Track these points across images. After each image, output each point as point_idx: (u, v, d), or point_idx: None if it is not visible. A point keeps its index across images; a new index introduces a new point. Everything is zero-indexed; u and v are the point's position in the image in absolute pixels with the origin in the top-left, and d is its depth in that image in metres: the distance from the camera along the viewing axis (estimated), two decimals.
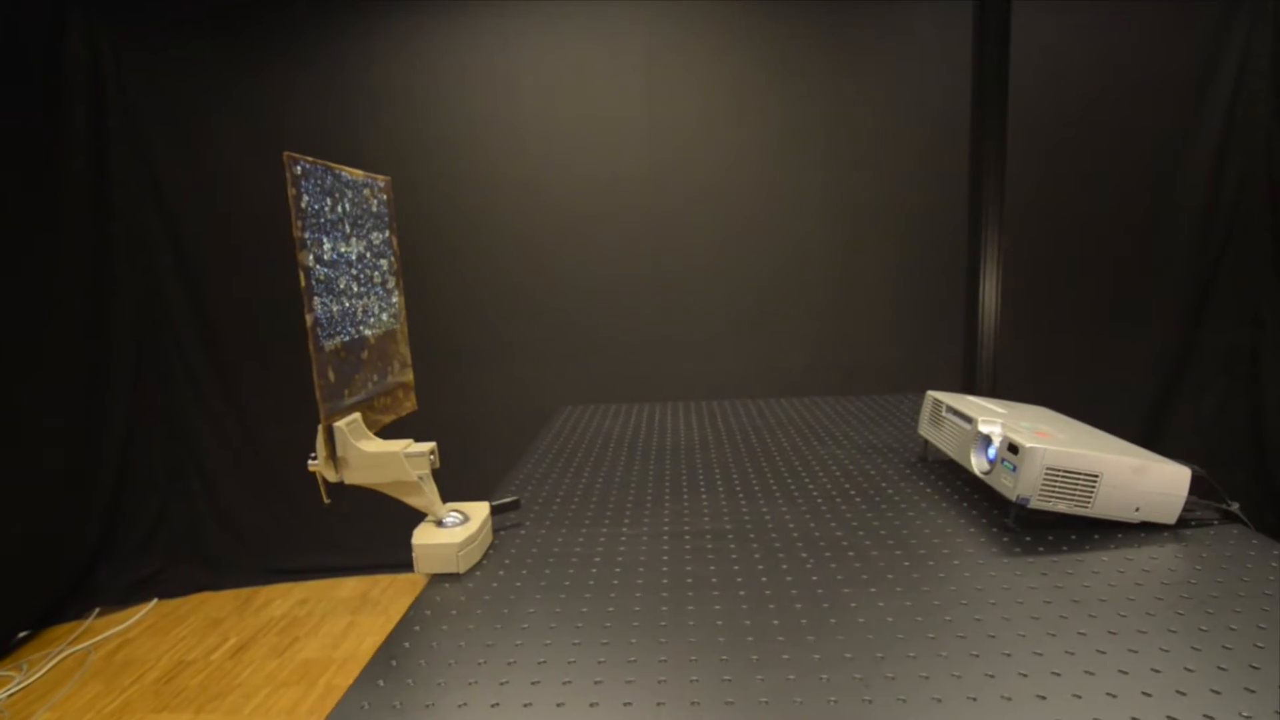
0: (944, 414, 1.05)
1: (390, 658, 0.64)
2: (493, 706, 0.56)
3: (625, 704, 0.56)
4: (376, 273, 0.95)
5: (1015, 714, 0.52)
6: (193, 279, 2.61)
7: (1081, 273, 2.43)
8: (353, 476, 0.83)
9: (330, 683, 2.07)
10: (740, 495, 1.01)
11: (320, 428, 0.80)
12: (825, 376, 2.59)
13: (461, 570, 0.80)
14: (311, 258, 0.79)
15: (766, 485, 1.05)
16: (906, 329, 2.52)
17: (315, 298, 0.79)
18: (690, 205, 2.55)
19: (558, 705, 0.56)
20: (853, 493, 1.01)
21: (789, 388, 2.59)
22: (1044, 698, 0.54)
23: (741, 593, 0.73)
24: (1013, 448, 0.86)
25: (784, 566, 0.79)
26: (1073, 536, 0.84)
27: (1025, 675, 0.57)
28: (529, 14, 2.45)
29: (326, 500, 0.87)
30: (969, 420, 0.97)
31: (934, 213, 2.41)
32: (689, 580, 0.76)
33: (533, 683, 0.59)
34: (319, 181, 0.81)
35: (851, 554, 0.81)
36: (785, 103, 2.44)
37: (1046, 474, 0.83)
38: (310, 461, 0.83)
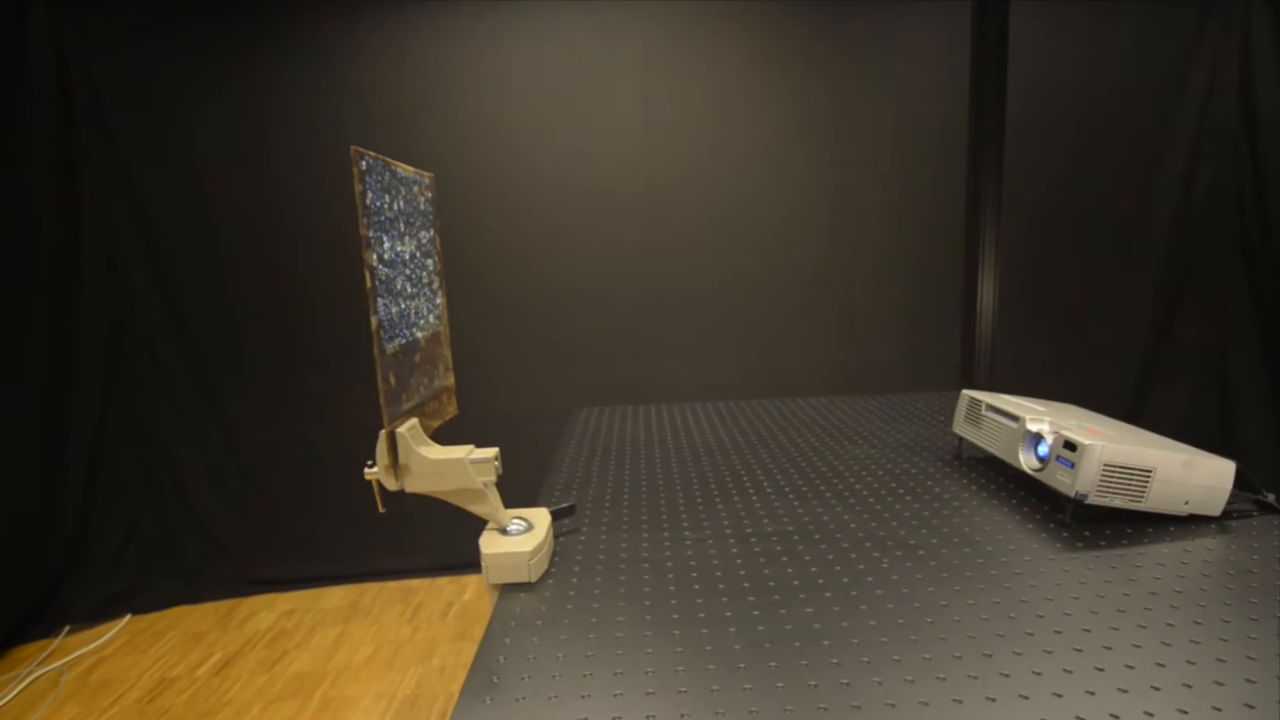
0: (984, 412, 1.07)
1: (490, 673, 0.62)
2: (615, 718, 0.55)
3: (752, 710, 0.55)
4: (424, 272, 0.92)
5: (1099, 707, 0.53)
6: (167, 278, 2.50)
7: (1060, 274, 2.51)
8: (414, 485, 0.80)
9: (326, 696, 2.01)
10: (790, 496, 1.01)
11: (383, 434, 0.77)
12: (823, 376, 2.62)
13: (534, 579, 0.78)
14: (375, 257, 0.76)
15: (813, 486, 1.05)
16: (901, 329, 2.57)
17: (378, 299, 0.76)
18: (688, 206, 2.55)
19: (682, 716, 0.55)
20: (901, 491, 1.01)
21: (786, 388, 2.62)
22: (1158, 689, 0.55)
23: (827, 594, 0.73)
24: (1069, 445, 0.88)
25: (860, 567, 0.79)
26: (1128, 530, 0.87)
27: (1132, 667, 0.58)
28: (522, 10, 2.41)
29: (382, 509, 0.84)
30: (1015, 419, 0.99)
31: (929, 213, 2.46)
32: (771, 584, 0.76)
33: (648, 693, 0.58)
34: (379, 177, 0.78)
35: (922, 553, 0.82)
36: (783, 102, 2.46)
37: (1104, 470, 0.85)
38: (368, 470, 0.79)
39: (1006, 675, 0.58)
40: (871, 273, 2.54)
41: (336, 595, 2.60)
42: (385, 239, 0.79)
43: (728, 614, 0.70)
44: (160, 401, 2.55)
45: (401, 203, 0.85)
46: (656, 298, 2.59)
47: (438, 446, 0.83)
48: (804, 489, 1.04)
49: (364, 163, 0.74)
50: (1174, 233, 2.46)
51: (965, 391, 1.13)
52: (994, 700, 0.55)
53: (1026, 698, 0.55)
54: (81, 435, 2.43)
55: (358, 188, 0.72)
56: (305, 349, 2.59)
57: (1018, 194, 2.37)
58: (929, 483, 1.05)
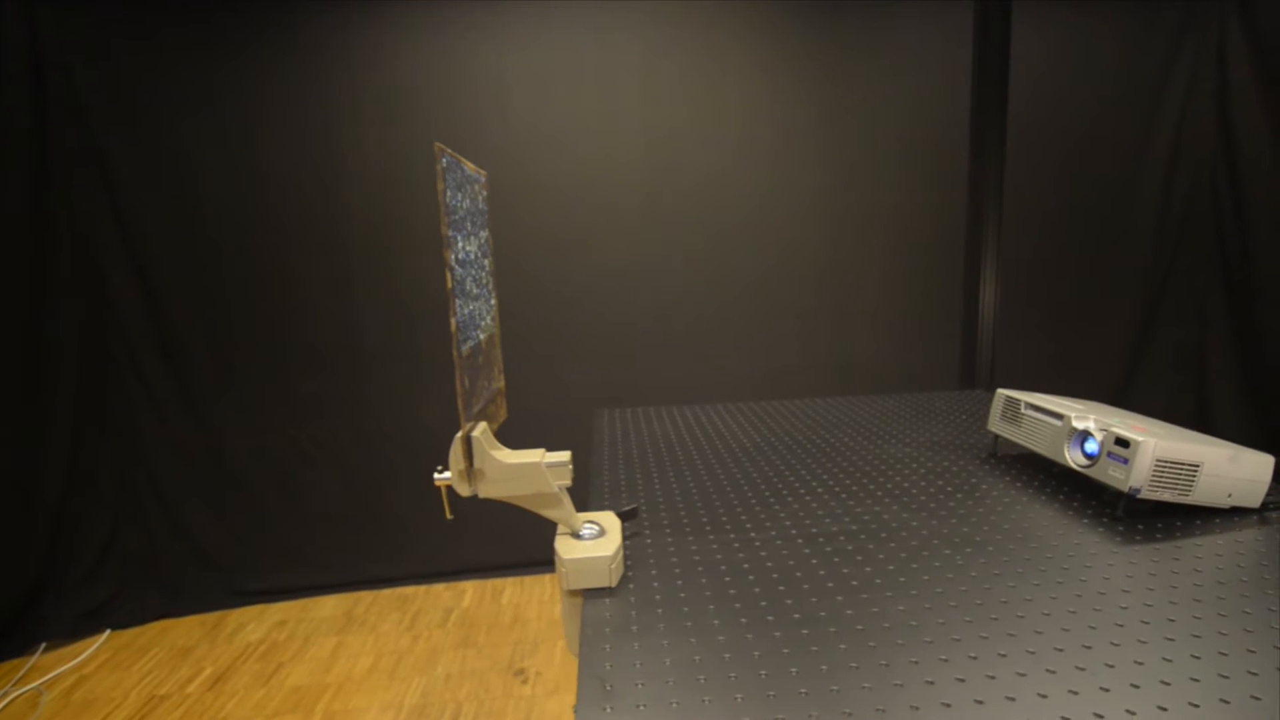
0: (1023, 410, 1.10)
1: (601, 681, 0.61)
2: None
3: (879, 710, 0.55)
4: (483, 273, 0.90)
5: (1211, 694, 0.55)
6: (148, 278, 2.40)
7: (1050, 274, 2.59)
8: (488, 490, 0.78)
9: (329, 709, 1.95)
10: (843, 496, 1.02)
11: (459, 438, 0.75)
12: (822, 377, 2.66)
13: (614, 584, 0.77)
14: (454, 257, 0.74)
15: (862, 485, 1.06)
16: (901, 329, 2.62)
17: (456, 300, 0.74)
18: (683, 207, 2.55)
19: (810, 716, 0.55)
20: (950, 489, 1.03)
21: (786, 389, 2.64)
22: (1226, 676, 0.57)
23: (913, 592, 0.74)
24: (1121, 441, 0.90)
25: (936, 565, 0.80)
26: (1177, 523, 0.90)
27: (1225, 654, 0.60)
28: (520, 10, 2.39)
29: (450, 516, 0.82)
30: (1059, 417, 1.02)
31: (929, 215, 2.51)
32: (854, 583, 0.76)
33: (769, 695, 0.58)
34: (455, 175, 0.76)
35: (991, 549, 0.83)
36: (786, 104, 2.48)
37: (1156, 465, 0.88)
38: (438, 476, 0.77)
39: (1112, 666, 0.60)
40: (872, 274, 2.58)
41: (328, 605, 2.54)
42: (459, 238, 0.78)
43: (821, 614, 0.70)
44: (140, 406, 2.45)
45: (468, 201, 0.83)
46: (658, 299, 2.58)
47: (509, 450, 0.81)
48: (854, 488, 1.05)
49: (444, 160, 0.72)
50: (1155, 235, 2.56)
51: (1000, 390, 1.16)
52: (1077, 693, 0.56)
53: (1107, 689, 0.57)
54: (56, 442, 2.32)
55: (440, 185, 0.71)
56: (295, 352, 2.52)
57: (1010, 196, 2.43)
58: (973, 480, 1.07)
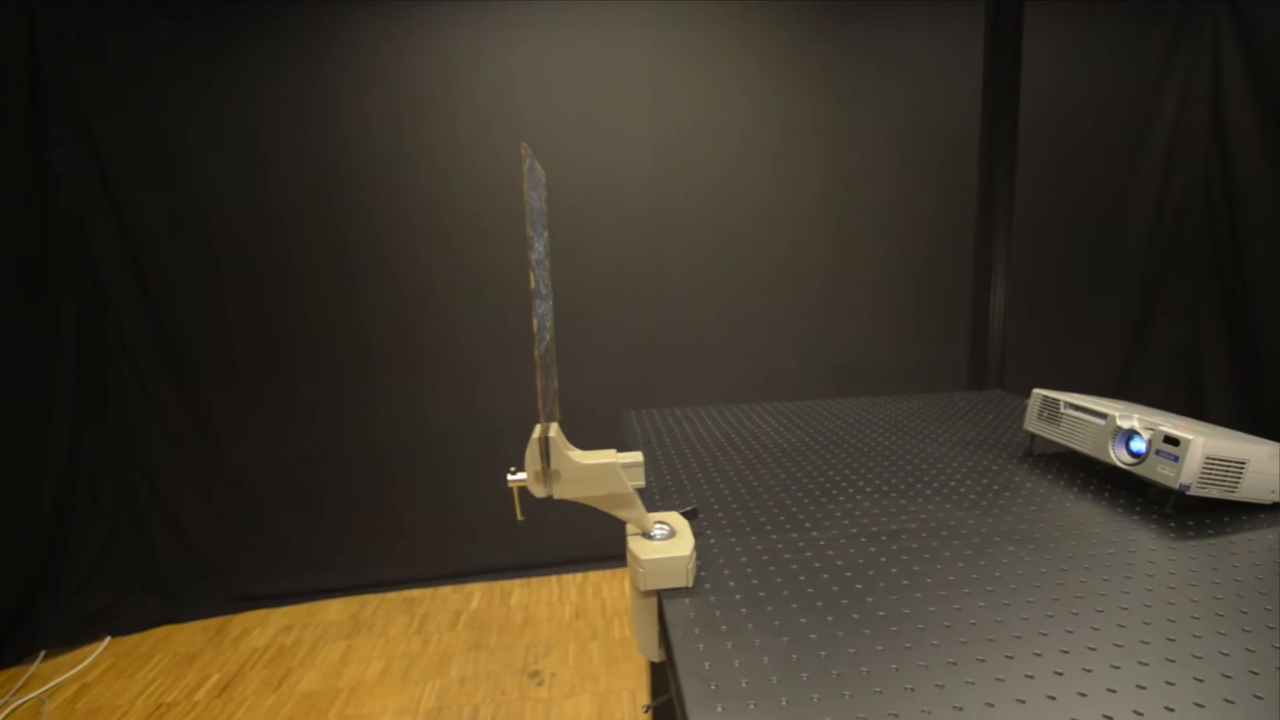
0: (1063, 410, 1.12)
1: (705, 681, 0.61)
2: None
3: (989, 704, 0.56)
4: (547, 274, 0.90)
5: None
6: (147, 277, 2.35)
7: (1052, 276, 2.64)
8: (563, 491, 0.78)
9: (343, 714, 1.92)
10: (893, 495, 1.03)
11: (536, 440, 0.75)
12: (822, 378, 2.68)
13: (690, 584, 0.78)
14: (534, 257, 0.73)
15: (909, 484, 1.07)
16: (908, 331, 2.65)
17: (537, 300, 0.74)
18: (690, 208, 2.56)
19: (923, 712, 0.56)
20: (995, 487, 1.05)
21: (786, 389, 2.66)
22: None
23: (989, 589, 0.75)
24: (1171, 440, 0.93)
25: (1004, 562, 0.81)
26: (1225, 519, 0.92)
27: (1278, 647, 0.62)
28: (528, 8, 2.38)
29: (521, 518, 0.81)
30: (1103, 416, 1.04)
31: (936, 219, 2.54)
32: (928, 580, 0.77)
33: (875, 691, 0.58)
34: (533, 176, 0.76)
35: (1052, 545, 0.85)
36: (793, 106, 2.50)
37: (1205, 463, 0.91)
38: (511, 478, 0.77)
39: (1200, 657, 0.61)
40: (878, 276, 2.61)
41: (334, 609, 2.50)
42: (537, 239, 0.77)
43: (905, 612, 0.71)
44: (139, 409, 2.40)
45: (540, 202, 0.83)
46: (663, 301, 2.59)
47: (581, 451, 0.81)
48: (901, 487, 1.06)
49: (527, 161, 0.72)
50: (1150, 239, 2.62)
51: (1037, 391, 1.18)
52: (1173, 684, 0.58)
53: (1172, 684, 0.58)
54: (52, 444, 2.26)
55: (525, 185, 0.70)
56: (297, 352, 2.48)
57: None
58: (1016, 478, 1.09)
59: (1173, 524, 0.91)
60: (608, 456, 0.80)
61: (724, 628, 0.69)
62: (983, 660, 0.62)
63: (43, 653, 2.21)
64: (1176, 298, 2.64)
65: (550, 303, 0.94)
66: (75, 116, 2.22)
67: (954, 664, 0.62)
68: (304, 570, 2.56)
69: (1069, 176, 2.61)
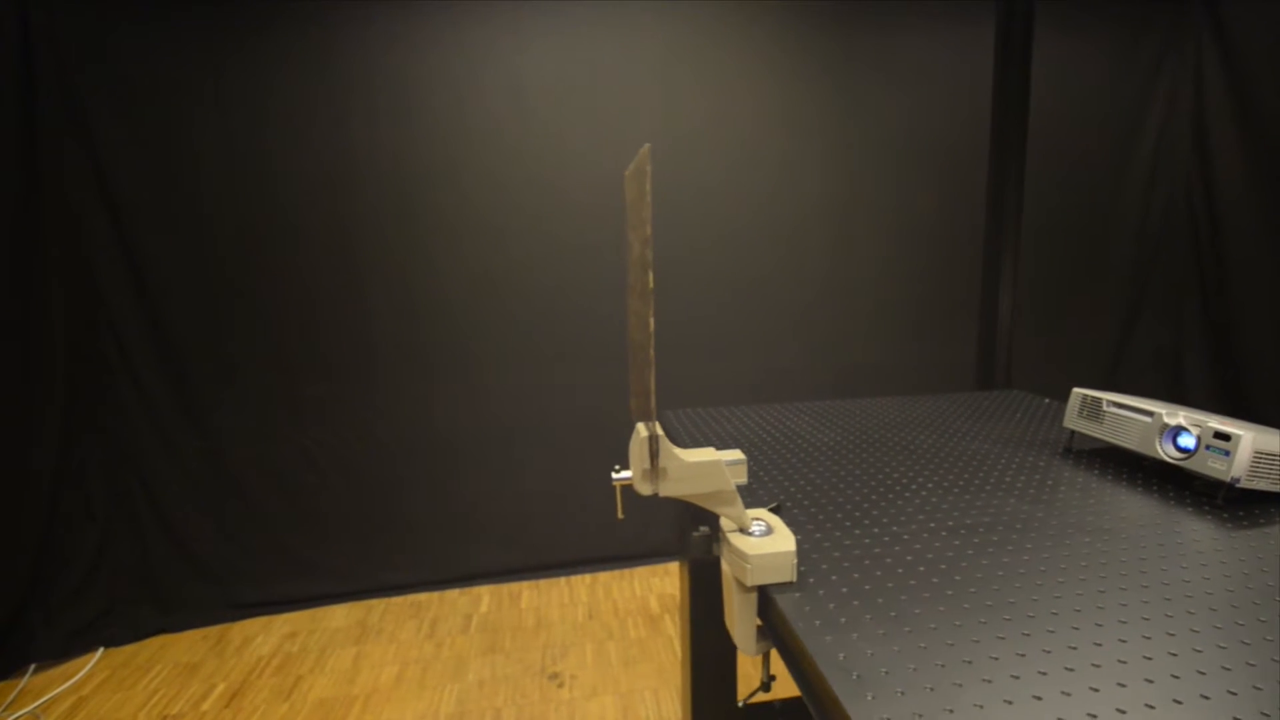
0: (1106, 408, 1.17)
1: (847, 671, 0.63)
2: (1007, 703, 0.57)
3: (1120, 685, 0.59)
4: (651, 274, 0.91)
5: None
6: (143, 276, 2.28)
7: (1047, 280, 2.74)
8: (669, 489, 0.79)
9: None
10: (955, 490, 1.07)
11: (642, 438, 0.76)
12: (823, 378, 2.73)
13: (794, 579, 0.79)
14: (649, 257, 0.74)
15: (966, 480, 1.11)
16: (913, 332, 2.71)
17: (646, 300, 0.74)
18: (696, 208, 2.59)
19: (1063, 694, 0.58)
20: (1049, 482, 1.09)
21: (788, 390, 2.70)
22: None
23: (1081, 577, 0.78)
24: (1221, 435, 0.98)
25: (1084, 552, 0.85)
26: (1272, 510, 0.97)
27: None
28: (538, 7, 2.37)
29: (621, 516, 0.82)
30: (1149, 414, 1.09)
31: (942, 221, 2.61)
32: (1021, 571, 0.80)
33: (1013, 676, 0.61)
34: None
35: (1125, 538, 0.89)
36: (801, 110, 2.54)
37: (1255, 457, 0.96)
38: (616, 476, 0.78)
39: (1271, 642, 0.65)
40: (884, 279, 2.67)
41: (339, 614, 2.46)
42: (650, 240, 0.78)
43: (1011, 601, 0.74)
44: (132, 413, 2.32)
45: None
46: (669, 302, 2.61)
47: (681, 449, 0.82)
48: (960, 483, 1.10)
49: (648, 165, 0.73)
50: (1135, 245, 2.74)
51: (1077, 389, 1.23)
52: (1254, 665, 0.62)
53: (1233, 690, 0.62)
54: (43, 448, 2.17)
55: (648, 186, 0.71)
56: (299, 353, 2.43)
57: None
58: (1066, 473, 1.13)
59: (1225, 515, 0.96)
60: (709, 454, 0.81)
61: (843, 620, 0.71)
62: (1099, 645, 0.65)
63: (33, 665, 2.12)
64: (1161, 301, 2.76)
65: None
66: (70, 110, 2.14)
67: (1074, 648, 0.65)
68: (305, 575, 2.51)
69: (1059, 183, 2.71)
